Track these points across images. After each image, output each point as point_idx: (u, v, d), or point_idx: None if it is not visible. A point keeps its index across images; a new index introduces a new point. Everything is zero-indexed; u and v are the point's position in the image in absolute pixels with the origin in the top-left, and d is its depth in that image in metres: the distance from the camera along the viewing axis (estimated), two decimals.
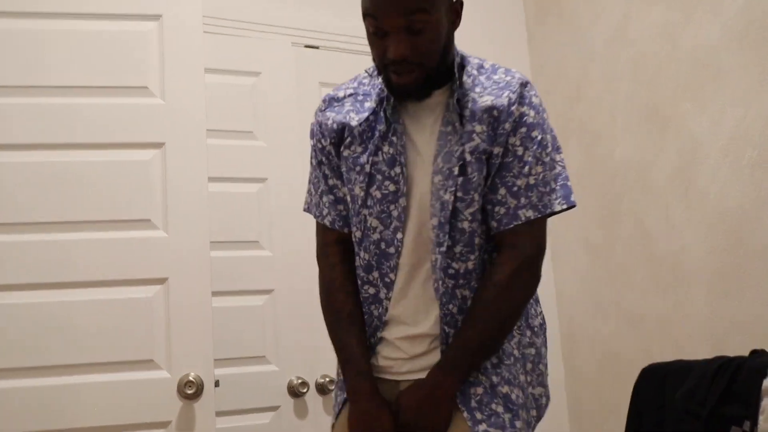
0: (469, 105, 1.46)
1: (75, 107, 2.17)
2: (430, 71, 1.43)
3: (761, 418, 1.60)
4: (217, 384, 2.20)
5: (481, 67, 1.53)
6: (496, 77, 1.50)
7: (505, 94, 1.46)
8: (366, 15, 1.40)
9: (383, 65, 1.44)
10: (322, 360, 2.62)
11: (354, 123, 1.52)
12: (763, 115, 2.40)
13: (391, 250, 1.47)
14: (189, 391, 2.08)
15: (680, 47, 2.67)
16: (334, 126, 1.55)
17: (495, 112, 1.45)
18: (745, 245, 2.42)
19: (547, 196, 1.47)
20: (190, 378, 2.10)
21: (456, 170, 1.43)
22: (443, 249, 1.44)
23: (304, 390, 2.57)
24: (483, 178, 1.45)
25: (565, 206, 1.48)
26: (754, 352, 1.92)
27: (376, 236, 1.48)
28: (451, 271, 1.47)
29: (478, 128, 1.44)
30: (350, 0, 2.90)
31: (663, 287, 2.69)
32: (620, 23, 2.90)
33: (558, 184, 1.48)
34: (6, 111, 2.13)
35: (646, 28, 2.80)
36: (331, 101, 1.59)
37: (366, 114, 1.52)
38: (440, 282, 1.46)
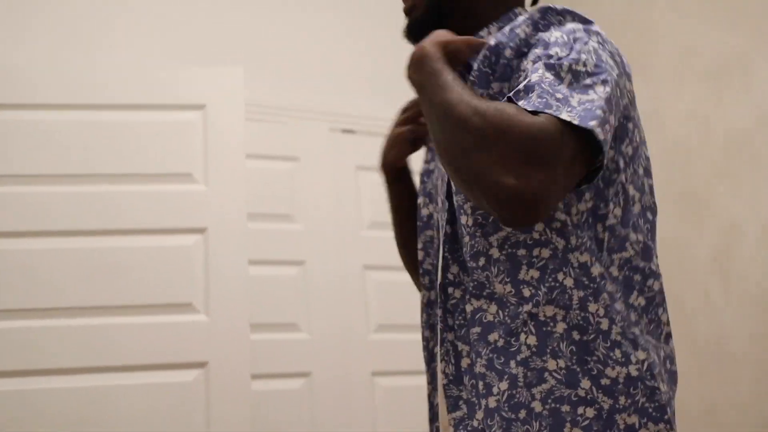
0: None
1: (121, 194, 2.23)
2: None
3: None
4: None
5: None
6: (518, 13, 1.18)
7: (518, 24, 1.09)
8: None
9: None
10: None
11: None
12: None
13: None
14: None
15: (713, 130, 2.70)
16: None
17: (496, 48, 1.08)
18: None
19: (554, 100, 0.94)
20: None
21: None
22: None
23: None
24: None
25: (576, 120, 0.91)
26: None
27: None
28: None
29: (473, 74, 1.09)
30: (384, 85, 3.00)
31: (706, 373, 2.65)
32: (651, 108, 2.94)
33: (582, 104, 0.94)
34: (54, 199, 2.19)
35: (677, 113, 2.84)
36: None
37: None
38: None
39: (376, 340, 2.77)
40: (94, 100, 2.28)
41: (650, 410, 1.00)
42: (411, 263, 1.35)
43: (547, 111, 0.92)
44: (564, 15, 1.08)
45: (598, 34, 1.05)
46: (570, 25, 1.05)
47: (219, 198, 2.29)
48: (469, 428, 1.06)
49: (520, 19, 1.09)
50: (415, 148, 1.31)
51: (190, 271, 2.23)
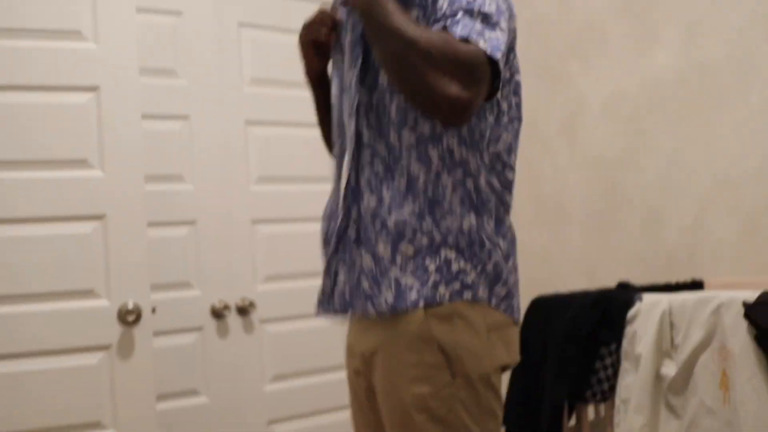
0: None
1: (11, 50, 2.24)
2: None
3: (624, 341, 1.98)
4: (153, 310, 2.41)
5: None
6: None
7: None
8: None
9: None
10: (243, 284, 2.87)
11: None
12: (637, 74, 2.76)
13: None
14: (130, 319, 2.29)
15: (572, 11, 2.97)
16: None
17: None
18: (617, 190, 2.82)
19: (474, 32, 1.27)
20: (129, 306, 2.29)
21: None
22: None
23: (227, 312, 2.81)
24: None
25: (488, 50, 1.26)
26: (620, 285, 2.31)
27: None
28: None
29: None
30: None
31: (546, 224, 3.07)
32: None
33: (492, 40, 1.28)
34: None
35: None
36: None
37: None
38: None
39: (256, 191, 2.97)
40: None
41: (466, 253, 1.36)
42: (329, 144, 1.69)
43: (471, 37, 1.25)
44: None
45: None
46: None
47: (111, 55, 2.35)
48: (337, 226, 1.42)
49: None
50: (325, 60, 1.57)
51: (84, 127, 2.31)
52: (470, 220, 1.36)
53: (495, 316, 1.37)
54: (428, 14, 1.34)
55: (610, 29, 2.86)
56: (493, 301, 1.36)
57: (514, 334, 1.42)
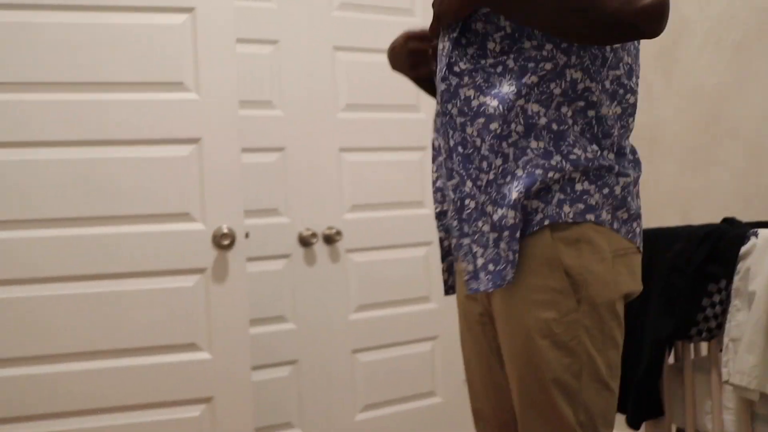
0: None
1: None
2: None
3: (736, 278, 1.90)
4: (247, 235, 2.41)
5: None
6: None
7: None
8: None
9: None
10: (329, 213, 2.86)
11: None
12: (748, 1, 2.60)
13: None
14: (224, 242, 2.30)
15: None
16: None
17: None
18: (717, 123, 2.69)
19: None
20: (224, 230, 2.30)
21: None
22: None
23: (314, 240, 2.81)
24: None
25: None
26: (726, 220, 2.21)
27: None
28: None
29: None
30: None
31: (641, 154, 2.96)
32: None
33: None
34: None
35: None
36: None
37: None
38: None
39: (344, 118, 2.93)
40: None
41: (592, 176, 1.32)
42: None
43: None
44: None
45: None
46: None
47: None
48: (463, 193, 1.37)
49: None
50: (419, 66, 1.58)
51: (180, 49, 2.29)
52: (593, 149, 1.32)
53: (620, 241, 1.33)
54: None
55: None
56: (616, 225, 1.33)
57: (638, 261, 1.38)
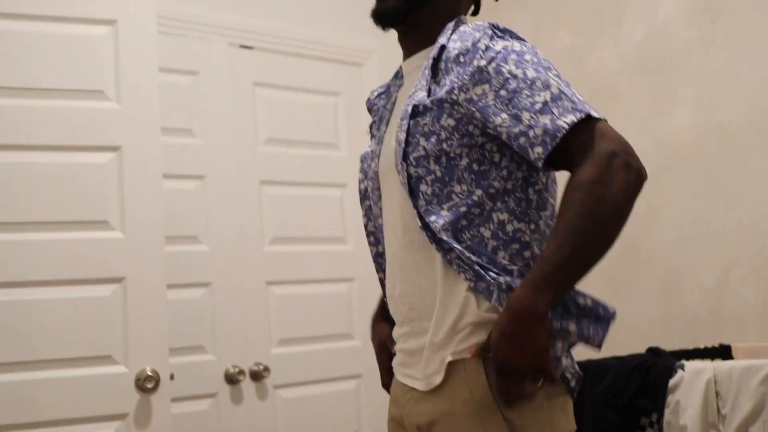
0: (443, 56, 1.37)
1: (33, 109, 2.20)
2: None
3: (667, 411, 1.93)
4: (171, 377, 2.32)
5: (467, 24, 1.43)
6: (462, 29, 1.40)
7: (472, 36, 1.34)
8: None
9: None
10: (256, 348, 2.79)
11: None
12: (653, 134, 2.77)
13: None
14: (148, 385, 2.20)
15: (585, 71, 2.99)
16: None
17: (461, 57, 1.33)
18: (635, 250, 2.79)
19: (570, 104, 1.25)
20: (148, 373, 2.21)
21: (409, 110, 1.36)
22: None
23: (241, 377, 2.73)
24: (449, 127, 1.33)
25: (597, 115, 1.25)
26: (650, 350, 2.27)
27: None
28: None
29: (447, 78, 1.34)
30: (284, 3, 3.04)
31: None
32: (530, 39, 3.19)
33: (574, 98, 1.27)
34: None
35: (554, 51, 3.11)
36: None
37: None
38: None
39: (270, 251, 2.92)
40: (3, 9, 2.20)
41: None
42: None
43: (591, 113, 1.25)
44: (506, 30, 1.37)
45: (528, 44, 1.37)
46: (515, 39, 1.36)
47: (132, 116, 2.31)
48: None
49: (477, 34, 1.34)
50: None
51: (105, 189, 2.26)
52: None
53: (553, 385, 1.33)
54: (494, 86, 1.30)
55: (624, 89, 2.87)
56: None
57: (570, 402, 1.38)
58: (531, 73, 1.27)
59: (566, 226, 1.20)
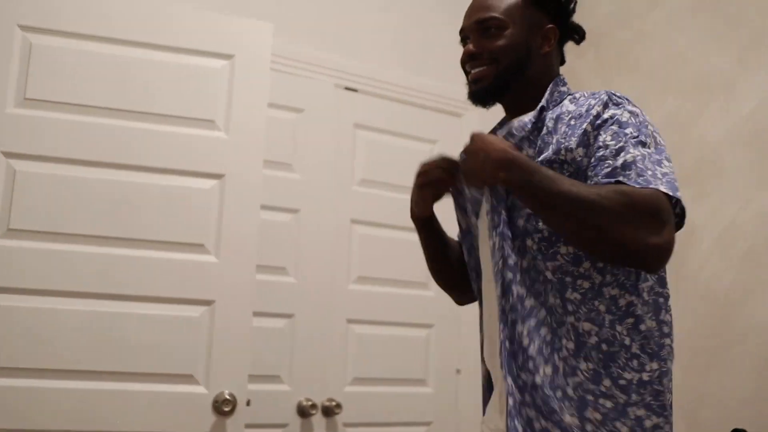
0: (548, 118, 1.43)
1: (148, 132, 2.32)
2: (499, 71, 1.47)
3: None
4: (248, 403, 2.37)
5: (572, 95, 1.49)
6: (578, 95, 1.47)
7: (587, 102, 1.40)
8: (460, 34, 1.55)
9: (464, 70, 1.53)
10: (331, 384, 2.82)
11: None
12: (755, 210, 2.69)
13: None
14: (225, 409, 2.25)
15: (689, 142, 2.94)
16: None
17: (573, 120, 1.38)
18: (728, 329, 2.70)
19: (650, 177, 1.27)
20: (226, 396, 2.26)
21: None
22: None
23: (313, 411, 2.75)
24: None
25: (670, 192, 1.27)
26: (735, 431, 2.18)
27: None
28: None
29: (554, 137, 1.39)
30: (391, 50, 3.12)
31: None
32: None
33: (664, 177, 1.29)
34: (80, 128, 2.26)
35: (658, 116, 3.07)
36: None
37: None
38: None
39: (354, 290, 2.96)
40: (127, 36, 2.34)
41: (655, 406, 1.30)
42: (442, 280, 1.69)
43: (651, 186, 1.25)
44: (623, 99, 1.40)
45: (645, 116, 1.39)
46: (630, 107, 1.38)
47: (238, 146, 2.40)
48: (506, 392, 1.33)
49: (592, 101, 1.39)
50: (437, 199, 1.59)
51: (205, 213, 2.35)
52: (652, 367, 1.32)
53: None
54: (590, 152, 1.34)
55: (729, 163, 2.81)
56: None
57: None
58: (620, 144, 1.31)
59: (589, 192, 1.25)
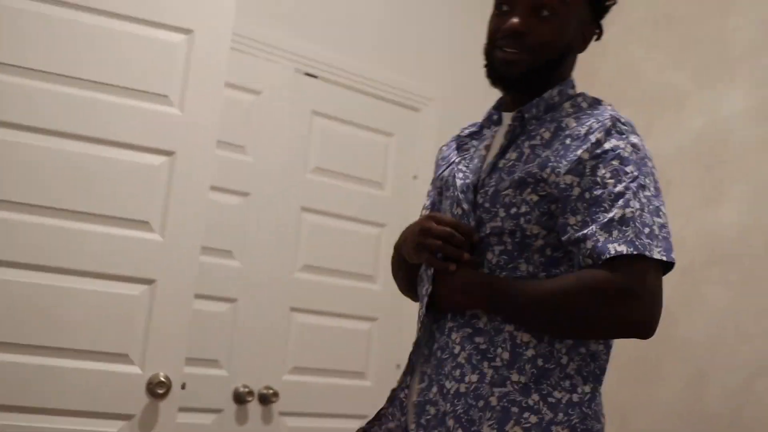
0: (552, 128, 1.34)
1: (100, 103, 2.25)
2: (536, 64, 1.35)
3: None
4: (183, 386, 2.32)
5: (573, 98, 1.41)
6: (580, 100, 1.39)
7: (589, 123, 1.31)
8: None
9: (492, 44, 1.38)
10: (269, 371, 2.79)
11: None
12: (699, 225, 2.74)
13: None
14: (159, 391, 2.20)
15: None
16: None
17: (568, 139, 1.30)
18: (667, 341, 2.75)
19: (646, 237, 1.21)
20: (161, 378, 2.21)
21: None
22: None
23: (250, 398, 2.72)
24: (531, 203, 1.29)
25: (664, 258, 1.21)
26: None
27: None
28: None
29: (543, 153, 1.31)
30: (355, 39, 3.09)
31: None
32: None
33: (661, 232, 1.23)
34: (38, 96, 2.18)
35: None
36: None
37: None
38: None
39: (300, 278, 2.93)
40: (87, 3, 2.26)
41: (579, 429, 1.26)
42: (411, 292, 1.57)
43: (645, 254, 1.19)
44: (628, 126, 1.32)
45: (646, 149, 1.31)
46: (633, 139, 1.30)
47: (192, 124, 2.35)
48: (427, 397, 1.31)
49: (594, 123, 1.30)
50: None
51: (152, 190, 2.29)
52: (584, 390, 1.28)
53: None
54: (583, 184, 1.26)
55: (676, 178, 2.86)
56: None
57: None
58: (619, 188, 1.24)
59: (559, 290, 1.23)
